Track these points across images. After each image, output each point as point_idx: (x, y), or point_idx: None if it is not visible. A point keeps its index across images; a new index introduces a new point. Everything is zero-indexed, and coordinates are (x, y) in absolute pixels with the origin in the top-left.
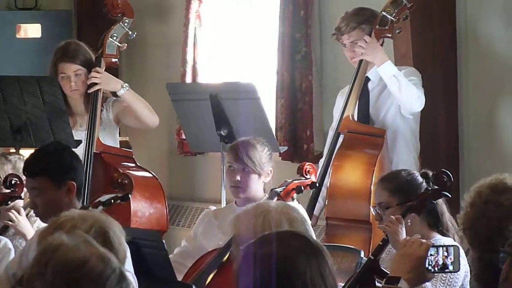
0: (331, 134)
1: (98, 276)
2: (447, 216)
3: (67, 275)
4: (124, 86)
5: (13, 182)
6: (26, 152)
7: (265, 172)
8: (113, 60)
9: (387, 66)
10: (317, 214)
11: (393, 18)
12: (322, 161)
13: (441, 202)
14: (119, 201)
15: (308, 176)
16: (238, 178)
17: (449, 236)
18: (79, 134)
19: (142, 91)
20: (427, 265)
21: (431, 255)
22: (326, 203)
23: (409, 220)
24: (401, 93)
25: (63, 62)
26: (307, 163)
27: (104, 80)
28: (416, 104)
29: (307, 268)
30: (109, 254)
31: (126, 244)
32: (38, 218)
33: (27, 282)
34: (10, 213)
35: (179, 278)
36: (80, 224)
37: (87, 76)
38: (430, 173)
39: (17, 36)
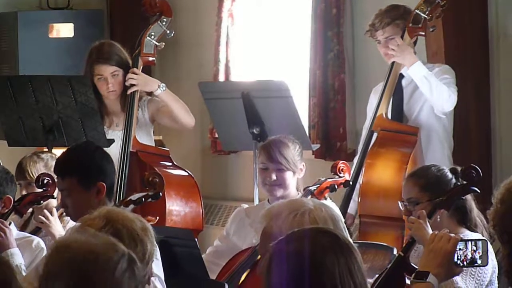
0: (364, 133)
1: (106, 262)
2: (475, 212)
3: (78, 269)
4: (161, 86)
5: (45, 181)
6: (58, 152)
7: (298, 169)
8: (151, 59)
9: (417, 68)
10: (353, 214)
11: (426, 16)
12: (356, 159)
13: (469, 198)
14: (150, 199)
15: (341, 175)
16: (274, 177)
17: (477, 232)
18: (115, 133)
19: (175, 90)
20: (455, 260)
21: (459, 249)
22: (359, 200)
23: (438, 217)
24: (432, 94)
25: (99, 64)
26: (341, 162)
27: (141, 82)
28: (447, 104)
29: (336, 264)
30: (115, 240)
31: (151, 244)
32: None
33: (45, 283)
34: (41, 215)
35: (213, 277)
36: (97, 223)
37: (123, 77)
38: (459, 169)
39: (50, 35)
